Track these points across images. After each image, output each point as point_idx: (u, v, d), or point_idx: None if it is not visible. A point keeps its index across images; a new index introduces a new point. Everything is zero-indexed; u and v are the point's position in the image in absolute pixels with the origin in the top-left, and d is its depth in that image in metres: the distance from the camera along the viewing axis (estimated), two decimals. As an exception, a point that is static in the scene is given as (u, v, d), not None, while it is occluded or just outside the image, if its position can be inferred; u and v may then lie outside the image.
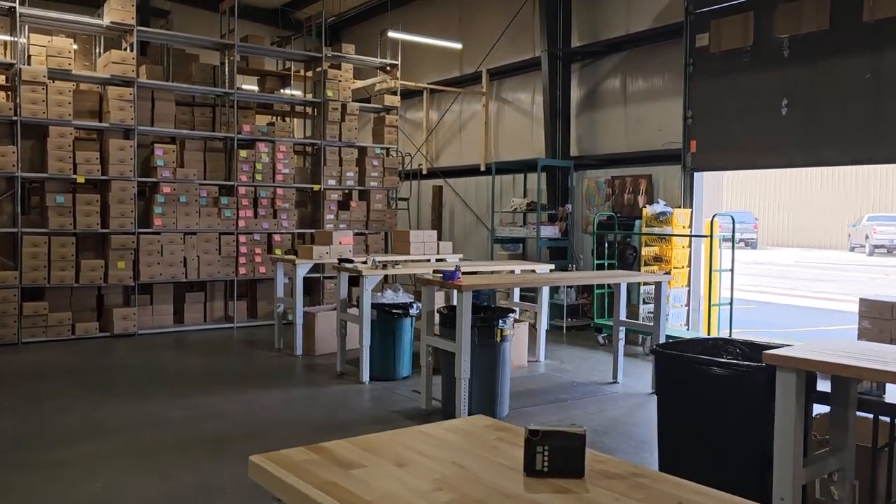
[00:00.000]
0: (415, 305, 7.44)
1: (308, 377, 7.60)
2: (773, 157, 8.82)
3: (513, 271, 8.45)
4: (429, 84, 13.44)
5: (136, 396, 6.67)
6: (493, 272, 7.94)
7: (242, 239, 10.42)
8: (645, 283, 9.01)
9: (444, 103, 14.10)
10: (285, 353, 8.68)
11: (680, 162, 9.71)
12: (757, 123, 8.87)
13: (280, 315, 8.87)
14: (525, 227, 11.02)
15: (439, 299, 8.08)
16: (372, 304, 7.23)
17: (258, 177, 10.53)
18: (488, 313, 6.34)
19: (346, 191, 11.57)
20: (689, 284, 9.52)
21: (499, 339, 6.02)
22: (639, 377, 7.69)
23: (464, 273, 6.09)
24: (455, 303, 5.89)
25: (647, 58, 10.41)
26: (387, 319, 7.32)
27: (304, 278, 8.54)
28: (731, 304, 8.36)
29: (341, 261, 7.60)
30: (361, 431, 5.97)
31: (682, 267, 9.39)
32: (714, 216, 8.31)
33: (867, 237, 30.55)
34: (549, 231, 10.59)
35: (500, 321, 6.00)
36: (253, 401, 6.58)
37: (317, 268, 10.23)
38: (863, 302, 7.54)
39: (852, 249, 32.55)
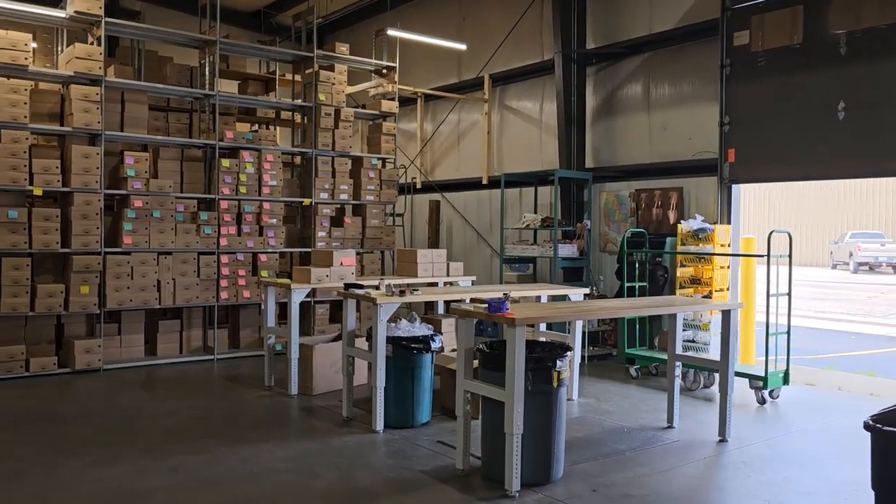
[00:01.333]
0: (437, 339, 6.25)
1: (310, 424, 6.35)
2: (829, 167, 7.83)
3: (539, 298, 7.33)
4: (428, 90, 12.29)
5: (103, 455, 5.36)
6: (537, 301, 6.81)
7: (224, 259, 9.14)
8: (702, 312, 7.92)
9: (440, 112, 12.98)
10: (278, 393, 7.42)
11: (715, 173, 8.69)
12: (808, 129, 7.88)
13: (270, 347, 7.62)
14: (537, 245, 9.91)
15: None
16: (388, 336, 6.04)
17: (242, 189, 9.28)
18: (541, 351, 5.18)
19: (340, 205, 10.36)
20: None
21: (556, 383, 4.86)
22: (694, 419, 6.58)
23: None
24: (500, 337, 4.72)
25: (673, 59, 9.41)
26: (404, 355, 6.12)
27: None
28: (788, 332, 7.31)
29: (349, 286, 6.40)
30: (390, 502, 5.00)
31: (722, 290, 8.33)
32: (771, 232, 7.27)
33: (851, 254, 30.03)
34: (567, 250, 9.49)
35: (558, 361, 4.85)
36: (249, 459, 5.31)
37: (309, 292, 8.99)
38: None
39: (835, 267, 32.05)
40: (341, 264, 7.53)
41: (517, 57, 11.34)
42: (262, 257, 9.42)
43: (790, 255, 7.40)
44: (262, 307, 7.68)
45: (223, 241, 9.13)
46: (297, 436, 5.98)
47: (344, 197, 10.00)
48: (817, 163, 7.86)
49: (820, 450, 5.75)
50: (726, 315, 5.94)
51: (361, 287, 6.33)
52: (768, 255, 7.20)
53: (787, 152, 8.07)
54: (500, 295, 4.80)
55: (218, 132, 9.23)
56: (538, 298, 7.44)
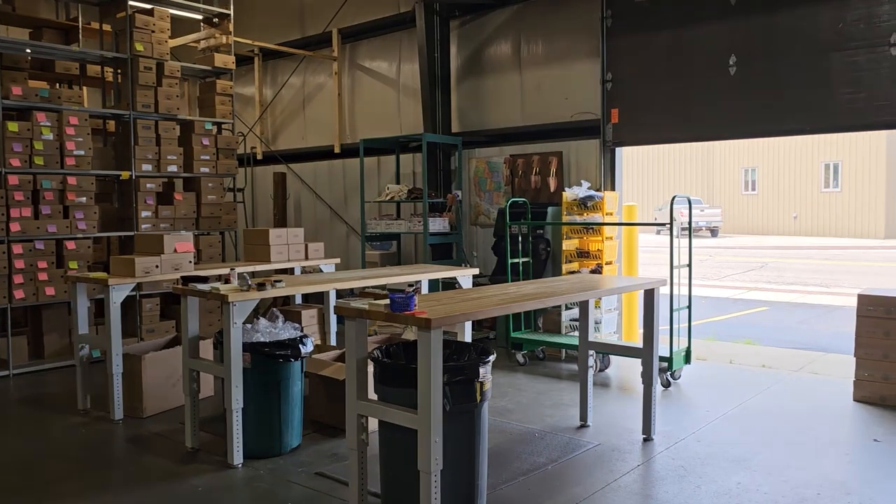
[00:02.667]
0: (307, 341, 4.90)
1: (143, 463, 4.79)
2: (720, 127, 7.22)
3: (419, 284, 6.14)
4: (270, 44, 10.59)
5: None
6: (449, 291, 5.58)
7: (18, 249, 7.16)
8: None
9: (282, 73, 11.35)
10: (97, 418, 5.73)
11: (598, 135, 7.89)
12: (698, 86, 7.23)
13: (83, 359, 5.89)
14: (402, 219, 8.71)
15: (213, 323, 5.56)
16: (244, 342, 4.62)
17: (38, 160, 7.30)
18: (455, 355, 4.00)
19: (168, 179, 8.58)
20: (617, 283, 7.72)
21: (479, 397, 3.71)
22: (603, 412, 5.71)
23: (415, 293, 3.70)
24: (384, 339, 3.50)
25: (547, 11, 8.47)
26: (267, 366, 4.72)
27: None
28: (689, 306, 6.65)
29: (188, 279, 4.87)
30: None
31: (611, 263, 7.57)
32: (674, 198, 6.53)
33: (674, 220, 31.39)
34: (437, 224, 8.36)
35: (480, 369, 3.70)
36: (53, 533, 3.74)
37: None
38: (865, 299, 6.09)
39: (658, 232, 33.58)
40: (175, 251, 5.91)
41: (370, 8, 9.97)
42: (70, 245, 7.51)
43: (690, 224, 6.72)
44: (72, 308, 5.92)
45: (14, 227, 7.13)
46: (126, 483, 4.43)
47: (173, 169, 8.23)
48: (708, 122, 7.23)
49: (754, 441, 5.04)
50: (649, 295, 5.06)
51: (205, 280, 4.83)
52: (671, 224, 6.46)
53: (676, 111, 7.39)
54: (408, 288, 3.55)
55: (1, 87, 7.18)
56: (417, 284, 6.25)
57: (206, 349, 5.35)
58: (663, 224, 6.52)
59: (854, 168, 29.27)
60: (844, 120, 6.58)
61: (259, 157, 11.49)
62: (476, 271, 6.26)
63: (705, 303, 13.27)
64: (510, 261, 7.46)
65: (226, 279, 4.82)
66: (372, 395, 3.82)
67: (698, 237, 30.33)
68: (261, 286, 4.65)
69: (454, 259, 8.75)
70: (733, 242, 27.83)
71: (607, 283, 5.05)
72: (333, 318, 6.96)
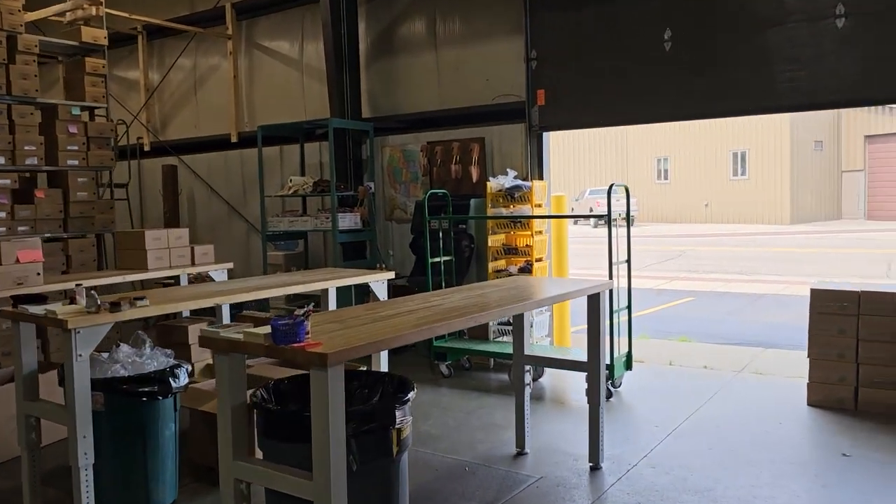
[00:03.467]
0: (181, 371, 3.90)
1: (-38, 538, 3.70)
2: (656, 108, 6.55)
3: (326, 294, 5.20)
4: (154, 20, 9.31)
5: None
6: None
7: None
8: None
9: (170, 54, 10.10)
10: (-82, 474, 4.55)
11: (523, 119, 7.12)
12: (631, 64, 6.54)
13: None
14: (309, 216, 7.71)
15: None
16: (96, 379, 3.58)
17: None
18: (363, 393, 3.10)
19: (27, 174, 7.31)
20: (548, 281, 7.00)
21: (395, 448, 2.83)
22: (540, 433, 4.93)
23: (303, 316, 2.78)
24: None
25: (463, -16, 7.63)
26: (126, 408, 3.70)
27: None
28: (629, 306, 5.96)
29: (20, 300, 3.77)
30: None
31: (541, 259, 6.83)
32: (612, 186, 5.79)
33: (591, 210, 31.37)
34: (348, 220, 7.41)
35: (397, 412, 2.82)
36: None
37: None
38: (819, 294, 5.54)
39: (576, 223, 33.51)
40: (17, 261, 4.77)
41: (267, -19, 8.90)
42: None
43: (628, 215, 6.04)
44: None
45: None
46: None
47: (32, 161, 6.97)
48: (643, 103, 6.56)
49: (712, 464, 4.36)
50: (594, 301, 4.29)
51: (42, 300, 3.76)
52: (609, 216, 5.74)
53: (608, 91, 6.69)
54: (293, 315, 2.61)
55: None
56: (326, 296, 5.32)
57: (54, 390, 4.26)
58: (600, 216, 5.78)
59: (760, 156, 29.86)
60: (787, 99, 6.01)
61: (146, 148, 10.22)
62: (391, 275, 5.37)
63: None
64: (430, 260, 6.61)
65: (71, 297, 3.76)
66: (260, 451, 2.89)
67: (616, 227, 30.31)
68: (115, 306, 3.62)
69: (368, 259, 7.82)
70: (649, 231, 27.91)
71: (545, 289, 4.26)
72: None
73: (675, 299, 12.24)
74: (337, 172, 7.83)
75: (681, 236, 25.17)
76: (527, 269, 6.60)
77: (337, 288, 5.37)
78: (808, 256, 18.02)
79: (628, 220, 5.98)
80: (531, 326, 6.60)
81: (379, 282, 5.18)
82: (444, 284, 6.66)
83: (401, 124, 8.00)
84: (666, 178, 33.24)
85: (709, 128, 31.04)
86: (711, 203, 31.48)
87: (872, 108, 29.52)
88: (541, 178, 7.13)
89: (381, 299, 5.15)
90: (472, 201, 7.03)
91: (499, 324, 6.76)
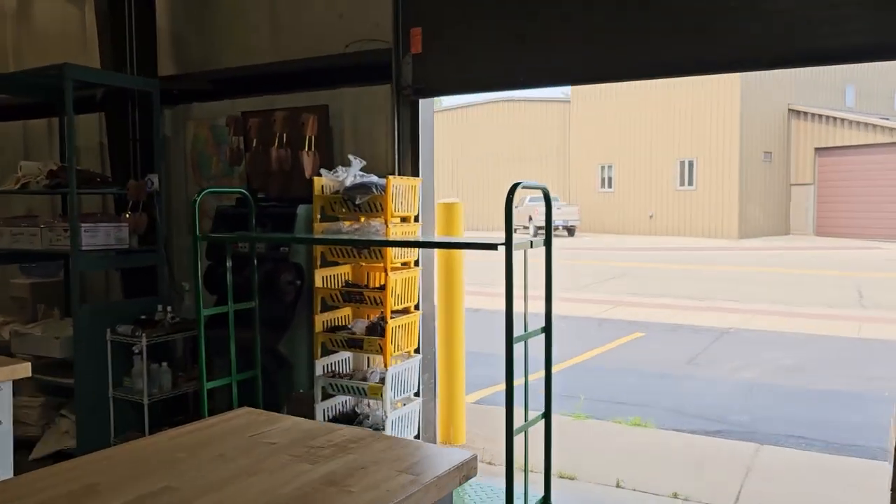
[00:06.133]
0: None
1: None
2: (578, 64, 3.75)
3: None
4: None
5: None
6: None
7: None
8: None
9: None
10: None
11: (388, 79, 4.26)
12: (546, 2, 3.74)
13: None
14: (41, 228, 4.68)
15: None
16: None
17: None
18: None
19: None
20: (419, 346, 4.14)
21: None
22: None
23: None
24: None
25: None
26: None
27: None
28: (548, 376, 3.13)
29: None
30: None
31: (409, 308, 3.95)
32: (516, 186, 2.89)
33: (531, 218, 28.84)
34: (106, 236, 4.41)
35: None
36: None
37: None
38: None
39: (515, 231, 30.89)
40: None
41: None
42: None
43: (548, 232, 3.20)
44: None
45: None
46: None
47: None
48: (561, 57, 3.75)
49: None
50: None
51: None
52: (508, 243, 2.87)
53: (518, 33, 3.87)
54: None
55: None
56: None
57: None
58: (493, 246, 2.88)
59: (708, 166, 27.73)
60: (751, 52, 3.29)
61: None
62: (26, 368, 2.42)
63: (565, 325, 10.10)
64: (203, 312, 3.68)
65: None
66: None
67: (555, 236, 27.86)
68: None
69: (158, 296, 4.83)
70: (590, 243, 25.46)
71: None
72: None
73: (620, 335, 9.58)
74: (114, 158, 4.85)
75: (624, 250, 22.73)
76: (377, 330, 3.72)
77: None
78: (765, 277, 15.66)
79: (549, 241, 3.14)
80: (381, 423, 3.73)
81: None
82: (234, 359, 3.78)
83: (214, 86, 5.05)
84: (610, 186, 30.92)
85: (656, 134, 28.82)
86: (657, 214, 29.25)
87: (821, 119, 27.73)
88: (415, 173, 4.27)
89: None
90: (301, 209, 4.13)
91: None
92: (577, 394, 6.17)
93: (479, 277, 14.02)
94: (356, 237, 3.50)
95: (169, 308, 4.58)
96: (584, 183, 31.56)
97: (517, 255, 2.88)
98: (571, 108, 32.19)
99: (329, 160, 4.30)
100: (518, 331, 2.86)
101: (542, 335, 3.08)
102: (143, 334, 4.22)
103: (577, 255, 20.46)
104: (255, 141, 4.46)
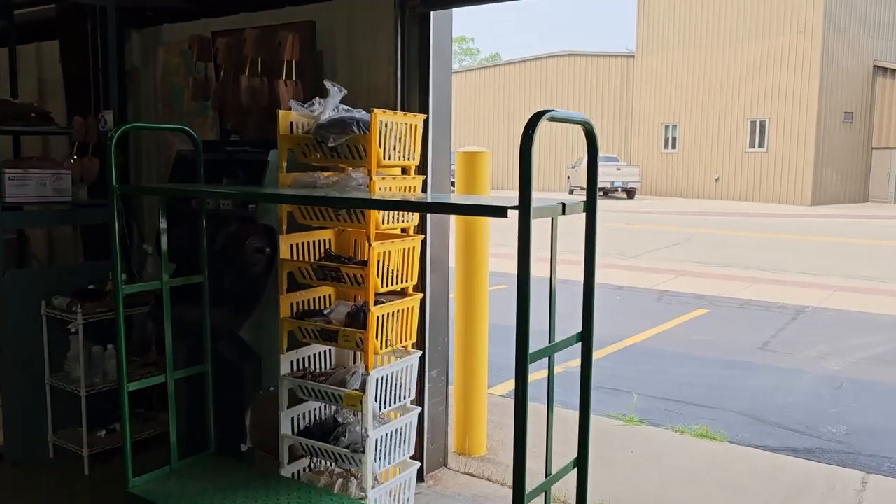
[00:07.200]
0: None
1: None
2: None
3: None
4: None
5: None
6: None
7: None
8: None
9: None
10: None
11: (391, -18, 3.19)
12: None
13: None
14: None
15: None
16: None
17: None
18: None
19: None
20: (423, 344, 3.14)
21: None
22: None
23: None
24: None
25: None
26: None
27: None
28: (585, 380, 2.12)
29: None
30: None
31: (411, 292, 2.95)
32: (539, 117, 1.86)
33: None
34: (40, 185, 3.53)
35: None
36: None
37: None
38: None
39: (572, 192, 29.43)
40: None
41: None
42: None
43: (591, 201, 2.11)
44: None
45: None
46: None
47: None
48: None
49: None
50: None
51: None
52: (525, 206, 1.81)
53: None
54: None
55: None
56: None
57: None
58: (501, 211, 1.84)
59: (782, 126, 25.64)
60: None
61: None
62: None
63: (620, 298, 8.99)
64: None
65: None
66: None
67: (613, 198, 26.35)
68: None
69: (110, 262, 3.96)
70: (651, 206, 23.93)
71: None
72: None
73: (682, 312, 8.41)
74: (68, 93, 3.94)
75: (687, 214, 21.20)
76: (359, 318, 2.74)
77: None
78: (844, 248, 14.08)
79: (592, 191, 2.05)
80: (361, 442, 2.77)
81: None
82: (169, 353, 2.86)
83: (187, 1, 4.05)
84: (674, 146, 29.07)
85: (725, 91, 26.79)
86: (723, 177, 27.38)
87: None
88: (423, 109, 3.22)
89: None
90: (273, 156, 3.13)
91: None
92: (628, 387, 5.12)
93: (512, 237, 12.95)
94: (321, 193, 2.49)
95: (123, 276, 3.67)
96: (646, 143, 29.78)
97: (541, 226, 1.82)
98: (636, 62, 30.26)
99: (315, 93, 3.28)
100: (538, 341, 1.84)
101: (579, 345, 2.04)
102: (80, 309, 3.34)
103: (635, 219, 19.10)
104: (223, 68, 3.47)
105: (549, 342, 1.97)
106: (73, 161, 3.64)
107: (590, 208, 2.01)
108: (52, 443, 3.59)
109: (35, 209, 3.59)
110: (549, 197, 2.06)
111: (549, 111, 1.79)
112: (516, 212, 1.74)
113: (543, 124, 1.72)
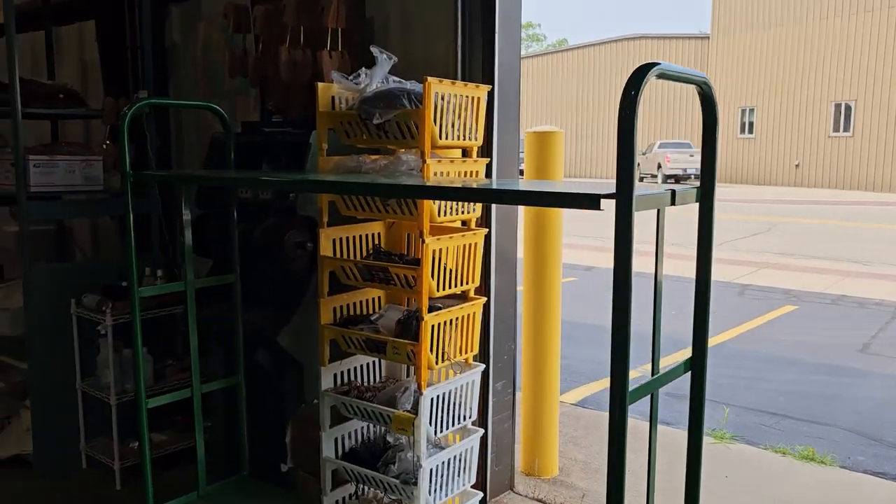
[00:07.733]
0: None
1: None
2: None
3: None
4: None
5: None
6: None
7: None
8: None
9: None
10: None
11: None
12: None
13: None
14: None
15: None
16: None
17: None
18: None
19: None
20: (487, 354, 2.69)
21: None
22: None
23: None
24: None
25: None
26: None
27: None
28: (696, 388, 1.64)
29: None
30: None
31: (471, 291, 2.51)
32: (646, 72, 1.39)
33: (660, 166, 26.37)
34: (68, 173, 3.23)
35: None
36: None
37: None
38: None
39: (642, 179, 28.41)
40: None
41: None
42: None
43: (709, 185, 1.62)
44: None
45: None
46: None
47: None
48: None
49: None
50: None
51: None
52: (626, 193, 1.34)
53: None
54: None
55: None
56: None
57: None
58: (593, 201, 1.40)
59: (869, 110, 23.98)
60: None
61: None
62: None
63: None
64: (135, 290, 2.40)
65: None
66: None
67: (686, 186, 25.20)
68: None
69: (154, 254, 3.65)
70: (728, 193, 22.77)
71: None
72: None
73: (767, 308, 7.70)
74: (105, 73, 3.64)
75: (767, 202, 20.04)
76: (411, 325, 2.31)
77: None
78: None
79: (711, 172, 1.57)
80: (415, 471, 2.35)
81: None
82: (195, 363, 2.51)
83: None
84: (750, 131, 27.64)
85: (807, 73, 25.26)
86: (804, 163, 25.88)
87: None
88: (488, 80, 2.75)
89: None
90: (315, 137, 2.73)
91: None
92: (717, 397, 4.56)
93: (590, 228, 12.30)
94: (365, 180, 2.06)
95: (159, 272, 3.35)
96: (721, 127, 28.40)
97: (645, 218, 1.35)
98: (710, 44, 28.89)
99: (364, 66, 2.85)
100: (637, 372, 1.36)
101: (688, 375, 1.56)
102: (109, 308, 3.02)
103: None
104: (262, 39, 3.08)
105: (653, 374, 1.50)
106: (105, 146, 3.32)
107: (706, 196, 1.52)
108: (85, 453, 3.31)
109: (71, 198, 3.30)
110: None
111: (658, 64, 1.31)
112: (611, 202, 1.27)
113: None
